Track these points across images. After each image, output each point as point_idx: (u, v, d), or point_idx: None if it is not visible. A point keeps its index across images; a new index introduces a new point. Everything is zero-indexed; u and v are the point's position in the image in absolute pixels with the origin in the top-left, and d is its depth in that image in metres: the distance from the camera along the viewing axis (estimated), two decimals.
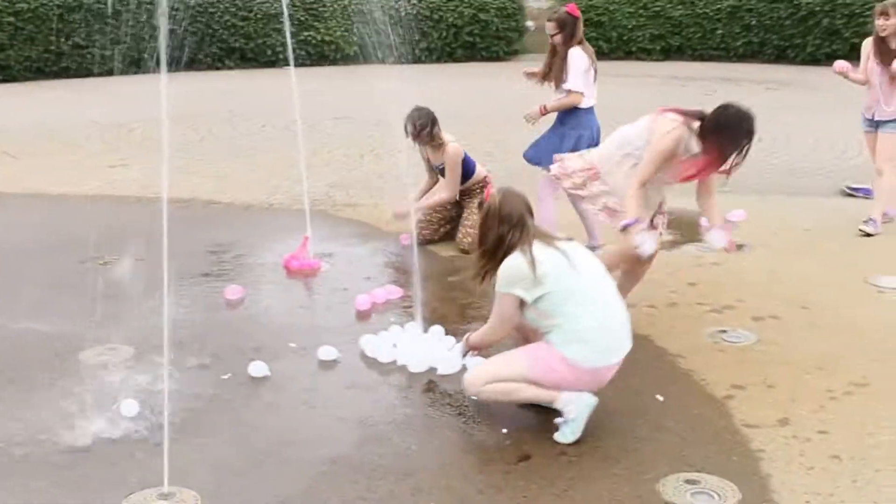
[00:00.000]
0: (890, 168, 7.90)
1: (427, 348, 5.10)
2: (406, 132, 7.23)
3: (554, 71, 7.14)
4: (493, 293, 4.33)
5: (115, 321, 5.44)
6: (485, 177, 7.57)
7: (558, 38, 7.07)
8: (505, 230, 4.25)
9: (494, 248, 4.29)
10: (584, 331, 4.15)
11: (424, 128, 7.17)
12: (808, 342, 5.40)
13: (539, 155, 7.14)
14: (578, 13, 7.14)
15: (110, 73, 20.59)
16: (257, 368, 4.88)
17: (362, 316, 5.83)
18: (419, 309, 5.60)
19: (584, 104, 7.09)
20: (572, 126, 7.10)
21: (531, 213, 4.38)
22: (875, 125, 8.01)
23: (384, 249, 7.34)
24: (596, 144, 6.78)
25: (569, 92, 7.06)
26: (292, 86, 7.44)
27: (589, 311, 4.18)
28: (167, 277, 3.87)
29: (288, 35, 7.85)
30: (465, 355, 4.85)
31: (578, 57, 7.03)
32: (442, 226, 7.44)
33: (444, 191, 7.38)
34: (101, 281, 6.25)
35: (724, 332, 5.55)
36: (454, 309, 5.98)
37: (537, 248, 4.20)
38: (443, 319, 5.57)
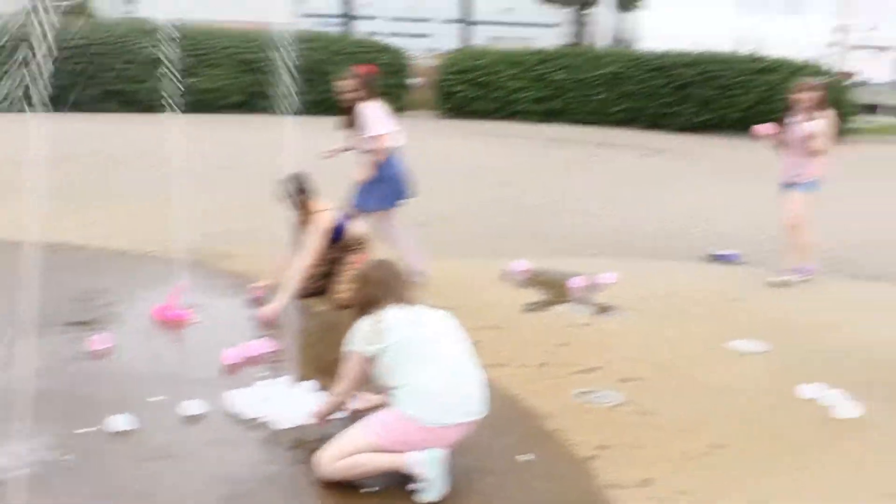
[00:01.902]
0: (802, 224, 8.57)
1: (295, 404, 5.04)
2: (281, 194, 7.16)
3: (356, 125, 7.86)
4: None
5: None
6: (362, 234, 7.55)
7: (357, 95, 7.86)
8: (375, 293, 4.39)
9: (363, 312, 4.41)
10: (428, 388, 4.21)
11: (292, 195, 7.10)
12: (672, 404, 5.53)
13: (366, 202, 7.80)
14: (376, 70, 7.97)
15: None
16: (119, 422, 4.75)
17: (231, 369, 5.74)
18: (289, 363, 5.54)
19: (393, 144, 7.90)
20: (387, 170, 7.93)
21: (404, 283, 4.49)
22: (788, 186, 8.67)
23: (256, 302, 7.27)
24: (404, 184, 8.00)
25: (377, 137, 7.80)
26: (174, 132, 7.36)
27: (433, 370, 4.25)
28: (30, 326, 3.71)
29: (172, 81, 7.76)
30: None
31: (374, 107, 7.86)
32: (317, 280, 7.40)
33: (303, 257, 7.12)
34: None
35: (592, 392, 5.64)
36: (326, 364, 5.92)
37: (391, 309, 4.33)
38: (313, 374, 5.52)
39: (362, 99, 7.89)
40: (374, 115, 7.87)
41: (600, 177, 16.15)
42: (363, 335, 4.33)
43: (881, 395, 5.67)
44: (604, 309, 7.49)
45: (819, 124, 8.42)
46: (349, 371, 4.43)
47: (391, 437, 4.20)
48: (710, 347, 6.67)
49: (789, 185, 8.67)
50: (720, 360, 6.40)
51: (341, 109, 8.04)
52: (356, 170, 7.99)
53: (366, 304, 4.44)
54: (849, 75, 73.44)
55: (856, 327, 7.22)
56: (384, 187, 7.95)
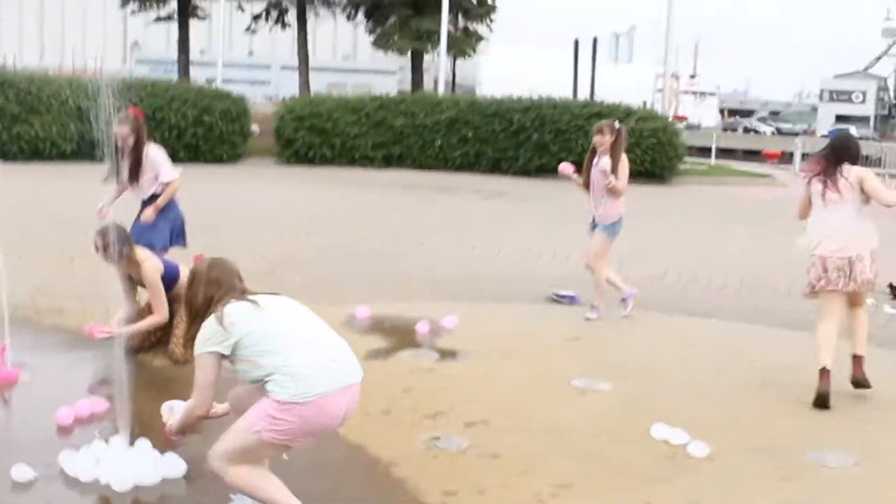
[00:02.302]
0: (601, 264, 8.94)
1: (130, 464, 4.86)
2: (96, 248, 6.89)
3: (140, 170, 8.00)
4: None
5: None
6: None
7: (133, 140, 7.93)
8: (212, 293, 4.33)
9: (202, 313, 4.32)
10: (296, 367, 4.16)
11: (108, 247, 6.78)
12: (517, 445, 5.57)
13: (153, 240, 7.84)
14: (142, 115, 8.16)
15: None
16: None
17: (64, 431, 5.49)
18: (123, 422, 5.33)
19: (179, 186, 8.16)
20: (171, 211, 8.16)
21: (240, 279, 4.45)
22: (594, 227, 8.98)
23: (91, 358, 6.99)
24: (183, 227, 8.27)
25: (168, 184, 8.02)
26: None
27: (294, 348, 4.23)
28: None
29: None
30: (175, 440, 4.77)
31: (157, 150, 8.08)
32: (152, 334, 7.16)
33: (156, 314, 6.98)
34: None
35: (438, 438, 5.63)
36: (162, 422, 5.74)
37: (230, 305, 4.27)
38: (151, 432, 5.33)
39: (141, 142, 7.99)
40: (162, 157, 8.05)
41: (440, 221, 16.31)
42: (211, 335, 4.23)
43: (719, 431, 5.85)
44: (447, 353, 7.51)
45: (616, 164, 8.67)
46: (204, 377, 4.31)
47: (285, 430, 4.15)
48: (552, 387, 6.76)
49: (594, 226, 8.99)
50: (563, 400, 6.50)
51: (118, 154, 7.94)
52: (145, 212, 8.05)
53: (206, 304, 4.34)
54: (683, 119, 76.56)
55: (691, 365, 7.45)
56: (166, 227, 8.09)
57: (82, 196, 11.13)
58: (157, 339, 7.15)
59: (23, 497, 4.62)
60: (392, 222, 15.36)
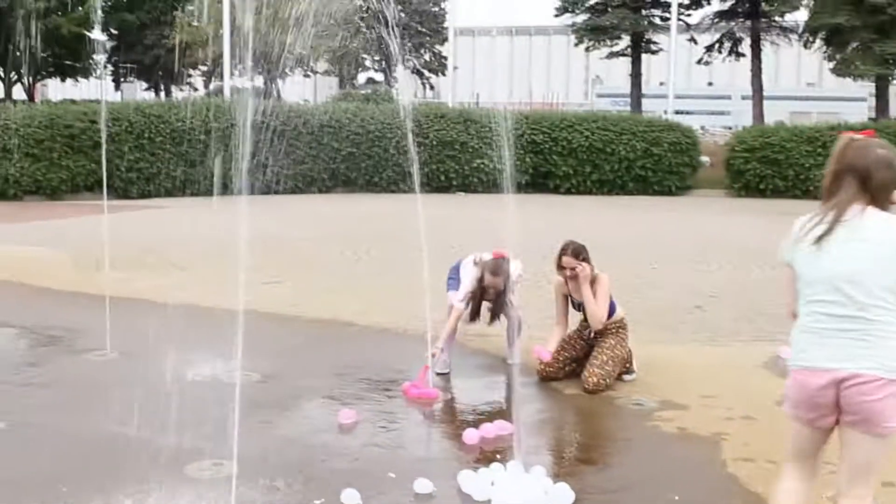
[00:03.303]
0: None
1: (524, 489, 4.96)
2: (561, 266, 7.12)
3: None
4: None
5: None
6: (622, 318, 7.38)
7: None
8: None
9: None
10: (799, 325, 3.86)
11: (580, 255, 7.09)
12: None
13: None
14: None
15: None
16: (349, 497, 4.84)
17: (468, 450, 5.73)
18: (523, 448, 5.46)
19: None
20: None
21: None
22: None
23: (504, 383, 7.26)
24: None
25: None
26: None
27: (802, 302, 3.82)
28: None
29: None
30: None
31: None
32: (567, 364, 7.28)
33: (596, 318, 7.13)
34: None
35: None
36: (559, 451, 5.84)
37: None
38: (546, 461, 5.42)
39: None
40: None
41: None
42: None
43: None
44: None
45: None
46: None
47: (787, 396, 3.95)
48: None
49: None
50: None
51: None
52: None
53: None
54: None
55: None
56: None
57: (530, 225, 11.67)
58: (571, 371, 7.25)
59: None
60: None
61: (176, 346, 7.83)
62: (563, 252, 7.11)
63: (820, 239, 3.69)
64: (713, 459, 5.66)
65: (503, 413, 6.47)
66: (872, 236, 3.60)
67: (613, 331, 7.24)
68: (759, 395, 6.91)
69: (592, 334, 7.21)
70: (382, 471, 5.30)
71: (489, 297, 7.38)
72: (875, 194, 3.64)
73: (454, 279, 7.74)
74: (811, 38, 41.34)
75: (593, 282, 7.13)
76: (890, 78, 39.01)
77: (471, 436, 5.84)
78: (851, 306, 3.63)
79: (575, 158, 26.14)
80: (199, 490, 4.95)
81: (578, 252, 7.08)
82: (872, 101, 44.44)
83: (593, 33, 45.21)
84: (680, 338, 8.75)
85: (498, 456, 5.53)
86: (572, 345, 7.29)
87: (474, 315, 7.43)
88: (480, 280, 7.30)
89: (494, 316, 7.49)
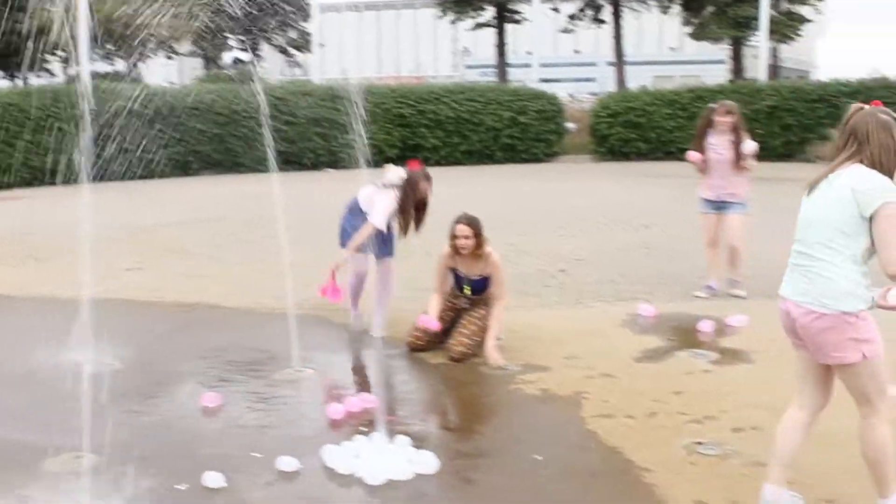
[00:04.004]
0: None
1: (388, 459, 5.01)
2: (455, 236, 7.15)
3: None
4: None
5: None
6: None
7: None
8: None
9: None
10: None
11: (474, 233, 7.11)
12: None
13: None
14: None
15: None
16: (213, 479, 4.82)
17: (334, 425, 5.75)
18: (387, 419, 5.51)
19: None
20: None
21: None
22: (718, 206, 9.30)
23: (372, 356, 7.30)
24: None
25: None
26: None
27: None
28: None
29: None
30: None
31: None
32: (437, 335, 7.32)
33: (501, 301, 7.23)
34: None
35: (700, 443, 5.37)
36: (425, 420, 5.91)
37: None
38: (411, 431, 5.48)
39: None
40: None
41: (754, 214, 15.59)
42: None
43: None
44: (729, 354, 7.18)
45: (749, 145, 9.08)
46: None
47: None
48: (841, 390, 6.25)
49: (720, 206, 9.22)
50: (850, 406, 5.99)
51: None
52: None
53: None
54: None
55: None
56: None
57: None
58: (439, 341, 7.30)
59: (287, 487, 4.87)
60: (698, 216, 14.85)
61: (33, 339, 7.66)
62: (457, 222, 7.14)
63: (810, 191, 4.17)
64: (574, 418, 5.82)
65: (368, 386, 6.51)
66: (841, 184, 4.02)
67: (487, 302, 7.32)
68: (619, 353, 7.13)
69: (466, 303, 7.28)
70: (247, 451, 5.28)
71: (420, 206, 7.62)
72: (875, 156, 4.01)
73: (353, 222, 7.71)
74: (669, 3, 42.36)
75: (485, 257, 7.18)
76: (744, 40, 40.24)
77: (336, 410, 5.87)
78: (805, 246, 4.15)
79: (443, 130, 26.26)
80: (59, 484, 4.85)
81: (472, 222, 7.12)
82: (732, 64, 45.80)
83: (458, 5, 45.39)
84: (544, 302, 8.93)
85: (363, 429, 5.57)
86: (442, 317, 7.34)
87: (407, 228, 7.62)
88: (414, 189, 7.51)
89: (419, 225, 7.68)
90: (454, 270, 7.33)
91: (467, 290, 7.28)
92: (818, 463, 4.99)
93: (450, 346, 7.08)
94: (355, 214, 7.74)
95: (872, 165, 4.01)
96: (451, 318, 7.33)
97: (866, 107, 4.12)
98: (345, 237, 7.75)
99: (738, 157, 9.05)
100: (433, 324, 7.13)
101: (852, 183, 3.98)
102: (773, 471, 4.46)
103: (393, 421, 5.59)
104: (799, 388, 4.48)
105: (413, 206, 7.56)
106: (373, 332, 7.65)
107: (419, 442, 5.27)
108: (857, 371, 4.11)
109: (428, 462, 5.01)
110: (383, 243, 7.71)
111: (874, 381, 4.12)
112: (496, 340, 7.10)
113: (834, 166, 4.12)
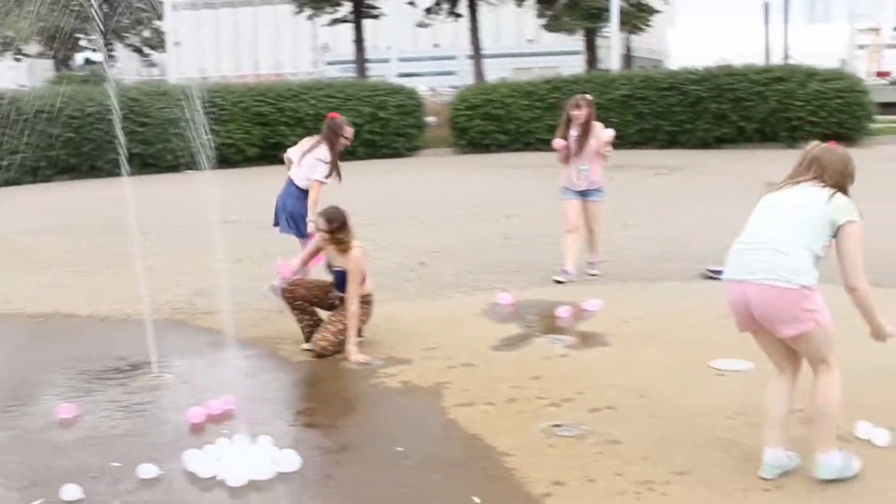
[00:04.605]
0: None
1: (249, 461, 5.00)
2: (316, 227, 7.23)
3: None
4: None
5: None
6: (369, 293, 7.46)
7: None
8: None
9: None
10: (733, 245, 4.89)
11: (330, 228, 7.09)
12: (639, 431, 5.41)
13: None
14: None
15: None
16: (72, 491, 4.73)
17: (194, 429, 5.70)
18: (248, 420, 5.50)
19: None
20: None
21: None
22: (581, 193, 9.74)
23: (234, 358, 7.24)
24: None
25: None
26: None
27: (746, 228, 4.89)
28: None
29: None
30: None
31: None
32: (312, 300, 7.29)
33: (353, 301, 7.12)
34: None
35: (558, 426, 5.53)
36: (284, 419, 5.91)
37: None
38: (272, 430, 5.48)
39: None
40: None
41: (608, 201, 16.00)
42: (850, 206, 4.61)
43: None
44: (586, 337, 7.39)
45: (606, 132, 9.61)
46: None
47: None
48: (690, 370, 6.54)
49: (580, 193, 9.68)
50: (698, 383, 6.28)
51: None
52: None
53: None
54: (885, 74, 72.08)
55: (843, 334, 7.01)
56: None
57: (258, 198, 11.57)
58: (311, 316, 7.33)
59: (148, 494, 4.82)
60: (558, 205, 15.17)
61: None
62: (320, 215, 7.14)
63: (776, 188, 4.79)
64: (435, 408, 5.91)
65: (228, 387, 6.47)
66: (814, 190, 4.63)
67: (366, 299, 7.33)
68: (478, 342, 7.27)
69: (337, 302, 7.29)
70: (106, 461, 5.19)
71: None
72: (832, 178, 4.66)
73: (285, 199, 8.57)
74: None
75: (347, 252, 7.14)
76: (597, 31, 41.19)
77: (196, 414, 5.81)
78: (764, 230, 4.70)
79: (303, 128, 25.92)
80: None
81: (331, 217, 7.09)
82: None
83: (314, 1, 45.11)
84: (403, 296, 9.02)
85: (224, 431, 5.54)
86: (321, 294, 7.35)
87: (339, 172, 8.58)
88: (340, 134, 8.53)
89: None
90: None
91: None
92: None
93: (315, 340, 7.09)
94: (287, 193, 8.56)
95: (823, 184, 4.66)
96: (318, 298, 7.32)
97: (823, 144, 4.82)
98: (280, 218, 8.63)
99: (581, 146, 9.53)
100: (286, 269, 7.37)
101: (827, 192, 4.61)
102: (769, 435, 4.83)
103: (254, 421, 5.57)
104: (772, 361, 4.94)
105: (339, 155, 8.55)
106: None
107: (281, 441, 5.27)
108: (813, 337, 4.61)
109: (290, 460, 5.02)
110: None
111: (828, 343, 4.66)
112: (359, 338, 7.12)
113: (792, 180, 4.75)
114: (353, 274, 7.04)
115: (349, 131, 8.61)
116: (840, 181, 4.68)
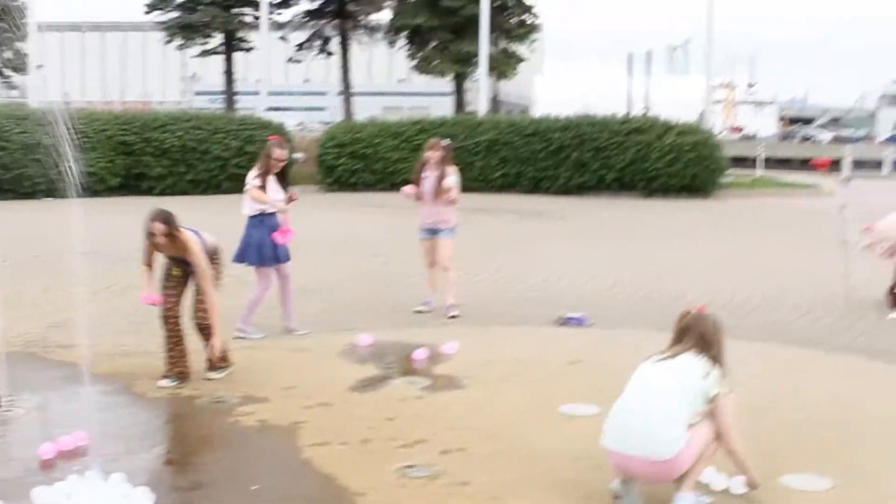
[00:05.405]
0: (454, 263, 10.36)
1: (101, 497, 4.98)
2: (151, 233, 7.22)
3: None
4: None
5: None
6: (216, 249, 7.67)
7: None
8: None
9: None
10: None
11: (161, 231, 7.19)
12: (489, 472, 5.58)
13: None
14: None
15: None
16: None
17: (46, 465, 5.63)
18: (100, 456, 5.46)
19: None
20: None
21: None
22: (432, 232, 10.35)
23: (88, 393, 7.14)
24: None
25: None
26: None
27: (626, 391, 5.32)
28: None
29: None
30: None
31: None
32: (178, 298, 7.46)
33: (212, 292, 7.40)
34: None
35: (411, 466, 5.66)
36: (140, 458, 5.90)
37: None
38: (125, 468, 5.46)
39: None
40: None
41: (470, 244, 16.29)
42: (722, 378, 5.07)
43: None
44: (441, 380, 7.56)
45: (449, 179, 10.14)
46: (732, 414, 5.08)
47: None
48: (540, 413, 6.76)
49: (432, 231, 10.28)
50: (548, 426, 6.50)
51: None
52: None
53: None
54: (738, 130, 75.09)
55: None
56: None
57: (119, 229, 11.39)
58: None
59: None
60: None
61: None
62: (152, 220, 7.16)
63: (657, 361, 5.20)
64: (291, 447, 5.98)
65: (81, 423, 6.39)
66: (689, 361, 5.08)
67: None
68: (336, 382, 7.37)
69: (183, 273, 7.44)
70: None
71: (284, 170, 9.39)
72: (708, 346, 5.12)
73: (249, 230, 9.36)
74: (395, 37, 43.55)
75: (185, 242, 7.24)
76: (467, 75, 41.93)
77: (46, 450, 5.74)
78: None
79: (168, 159, 25.73)
80: None
81: (166, 218, 7.17)
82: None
83: (184, 31, 44.69)
84: (265, 332, 9.04)
85: (76, 467, 5.49)
86: (174, 285, 7.43)
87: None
88: (269, 155, 9.31)
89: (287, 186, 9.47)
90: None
91: (176, 272, 7.44)
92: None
93: (193, 313, 7.35)
94: (252, 225, 9.28)
95: (698, 351, 5.13)
96: (176, 297, 7.45)
97: (693, 311, 5.27)
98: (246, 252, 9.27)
99: (440, 189, 10.07)
100: (155, 298, 7.38)
101: (704, 366, 5.05)
102: None
103: (107, 457, 5.54)
104: None
105: (277, 170, 9.32)
106: (298, 330, 9.11)
107: (135, 478, 5.25)
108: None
109: (142, 498, 5.02)
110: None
111: (710, 446, 5.19)
112: (217, 374, 7.20)
113: (674, 351, 5.18)
114: (200, 267, 7.28)
115: (277, 153, 9.27)
116: (717, 348, 5.14)
